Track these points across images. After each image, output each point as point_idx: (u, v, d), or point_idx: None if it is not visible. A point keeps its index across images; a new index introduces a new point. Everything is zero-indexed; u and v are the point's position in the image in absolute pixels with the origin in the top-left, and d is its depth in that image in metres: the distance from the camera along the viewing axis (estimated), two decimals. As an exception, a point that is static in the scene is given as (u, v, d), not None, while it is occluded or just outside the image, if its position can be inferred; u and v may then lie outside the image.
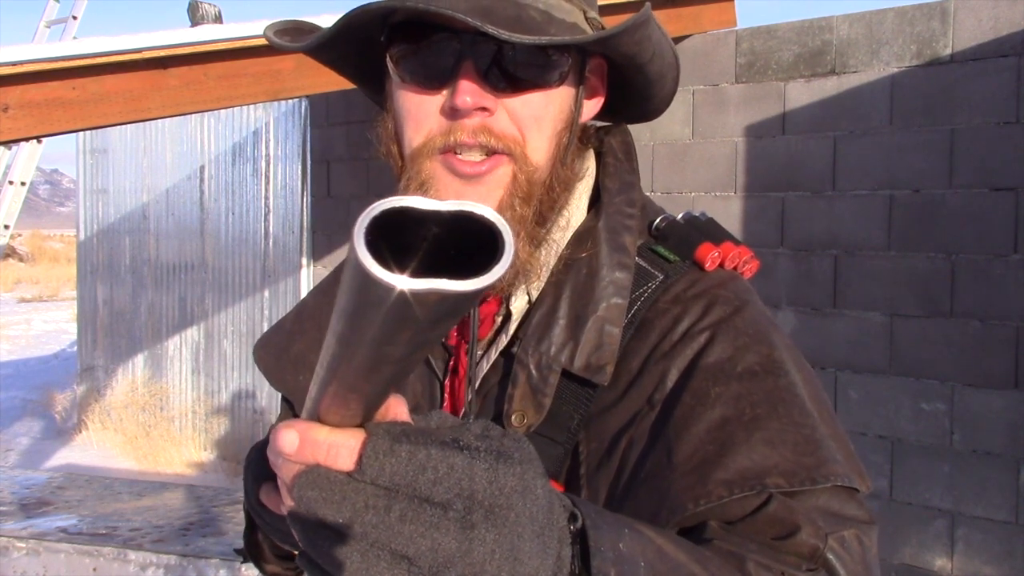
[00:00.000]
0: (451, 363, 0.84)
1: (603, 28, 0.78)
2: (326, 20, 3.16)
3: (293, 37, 0.83)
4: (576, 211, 0.84)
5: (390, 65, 0.78)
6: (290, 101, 6.38)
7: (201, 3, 5.64)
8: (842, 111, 3.67)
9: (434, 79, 0.75)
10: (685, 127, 4.20)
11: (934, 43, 3.43)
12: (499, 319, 0.82)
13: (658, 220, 0.86)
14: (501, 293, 0.81)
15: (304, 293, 6.33)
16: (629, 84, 0.84)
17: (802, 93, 3.79)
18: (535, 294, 0.81)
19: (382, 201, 0.37)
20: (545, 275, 0.81)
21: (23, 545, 2.79)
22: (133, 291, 8.30)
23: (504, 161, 0.76)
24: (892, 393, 3.54)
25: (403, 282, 0.34)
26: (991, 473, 3.30)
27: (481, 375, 0.81)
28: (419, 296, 0.35)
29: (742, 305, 0.79)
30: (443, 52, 0.74)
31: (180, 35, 3.31)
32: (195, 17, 5.66)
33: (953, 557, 3.39)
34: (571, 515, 0.51)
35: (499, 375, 0.80)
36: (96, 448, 7.68)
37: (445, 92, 0.75)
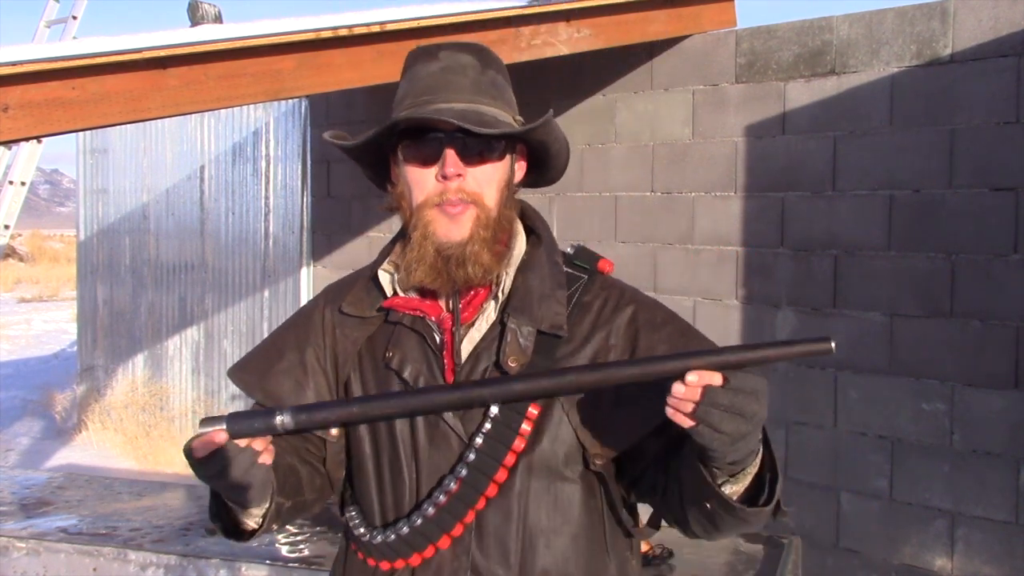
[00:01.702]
0: (446, 336, 1.27)
1: (524, 124, 1.26)
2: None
3: (341, 139, 1.32)
4: (520, 238, 1.32)
5: (400, 154, 1.25)
6: (290, 101, 6.38)
7: (201, 3, 5.64)
8: (842, 111, 3.67)
9: (428, 159, 1.22)
10: (685, 127, 4.20)
11: (934, 43, 3.43)
12: (486, 305, 1.28)
13: (567, 249, 1.35)
14: (491, 284, 1.27)
15: (304, 293, 6.33)
16: (538, 159, 1.33)
17: (802, 93, 3.79)
18: (507, 290, 1.27)
19: None
20: (512, 272, 1.28)
21: (23, 545, 2.79)
22: (133, 291, 8.29)
23: (472, 207, 1.22)
24: (892, 393, 3.54)
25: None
26: (991, 473, 3.30)
27: (475, 341, 1.26)
28: None
29: (635, 291, 1.33)
30: (432, 143, 1.21)
31: (180, 35, 3.31)
32: (195, 17, 5.66)
33: (953, 557, 3.39)
34: None
35: (491, 338, 1.25)
36: (96, 448, 7.68)
37: (435, 167, 1.22)
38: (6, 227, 5.22)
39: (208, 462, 1.10)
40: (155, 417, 7.69)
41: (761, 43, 3.93)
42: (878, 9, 3.62)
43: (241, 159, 7.08)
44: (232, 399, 7.22)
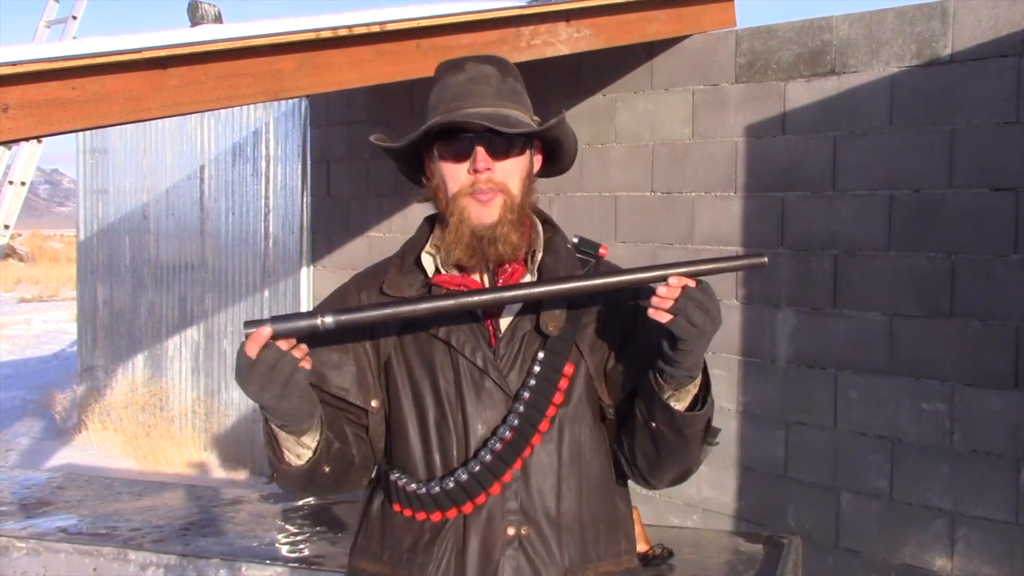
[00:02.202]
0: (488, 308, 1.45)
1: (540, 122, 1.46)
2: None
3: (385, 142, 1.49)
4: (539, 225, 1.54)
5: (436, 153, 1.45)
6: (290, 101, 6.38)
7: (201, 3, 5.64)
8: (842, 111, 3.67)
9: (460, 156, 1.42)
10: (685, 127, 4.20)
11: (934, 43, 3.43)
12: (523, 280, 1.48)
13: (573, 237, 1.57)
14: (527, 263, 1.49)
15: (304, 293, 6.33)
16: (552, 152, 1.54)
17: (802, 93, 3.79)
18: (535, 264, 1.49)
19: None
20: (540, 253, 1.50)
21: (23, 545, 2.79)
22: (133, 291, 8.29)
23: (500, 194, 1.42)
24: (892, 393, 3.54)
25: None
26: (991, 473, 3.30)
27: (514, 311, 1.45)
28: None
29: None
30: (464, 142, 1.41)
31: (180, 35, 3.31)
32: (195, 17, 5.65)
33: (953, 557, 3.39)
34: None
35: (528, 307, 1.44)
36: (96, 448, 7.68)
37: (467, 163, 1.41)
38: (6, 227, 5.22)
39: (256, 368, 1.24)
40: (155, 417, 7.69)
41: (761, 43, 3.93)
42: (878, 9, 3.62)
43: (241, 159, 7.08)
44: (220, 410, 7.22)
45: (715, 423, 1.42)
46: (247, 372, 1.25)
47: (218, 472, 7.04)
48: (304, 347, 1.28)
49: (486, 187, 1.40)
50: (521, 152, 1.44)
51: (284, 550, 2.77)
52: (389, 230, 5.76)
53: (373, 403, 1.45)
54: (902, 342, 3.51)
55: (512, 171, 1.43)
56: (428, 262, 1.48)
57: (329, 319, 1.28)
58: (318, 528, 2.99)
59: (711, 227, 4.09)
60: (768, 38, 3.91)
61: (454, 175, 1.43)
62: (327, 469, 1.39)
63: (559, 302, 1.43)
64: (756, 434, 3.95)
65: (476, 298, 1.35)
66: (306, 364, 1.27)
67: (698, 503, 4.16)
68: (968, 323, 3.34)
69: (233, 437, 7.17)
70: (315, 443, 1.36)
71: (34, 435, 8.38)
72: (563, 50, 3.95)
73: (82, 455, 7.50)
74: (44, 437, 8.30)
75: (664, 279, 1.29)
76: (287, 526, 3.00)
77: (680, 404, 1.36)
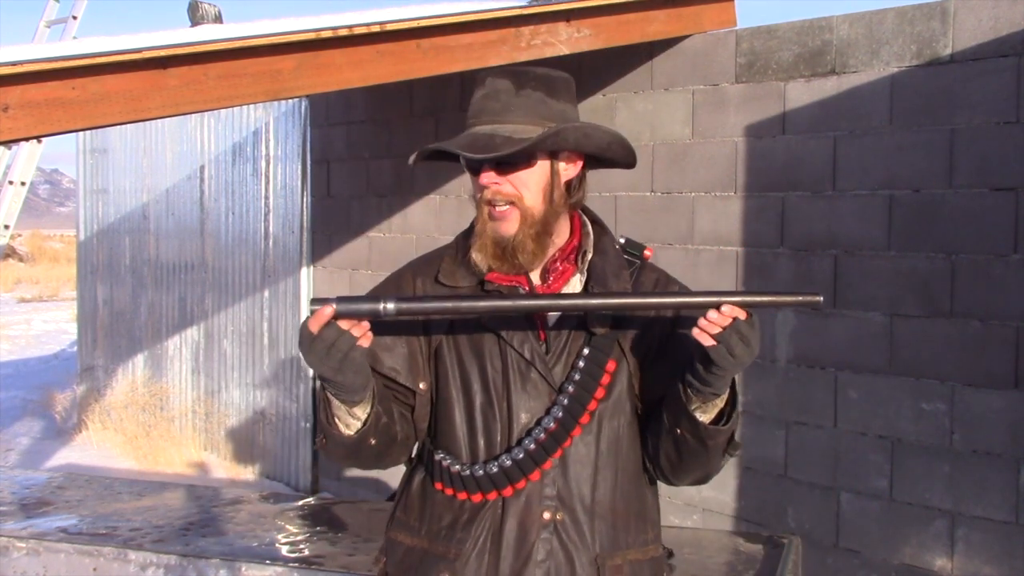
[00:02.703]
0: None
1: (556, 135, 1.45)
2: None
3: (419, 155, 1.55)
4: (589, 226, 1.60)
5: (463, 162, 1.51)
6: (290, 101, 6.38)
7: (201, 3, 5.63)
8: (842, 111, 3.67)
9: (476, 170, 1.48)
10: (685, 127, 4.20)
11: (934, 43, 3.42)
12: (573, 279, 1.54)
13: (620, 238, 1.63)
14: (577, 262, 1.55)
15: (304, 293, 6.33)
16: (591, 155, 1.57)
17: (802, 93, 3.79)
18: (586, 264, 1.55)
19: None
20: (590, 253, 1.55)
21: (23, 545, 2.79)
22: (133, 291, 8.29)
23: (514, 208, 1.47)
24: (892, 393, 3.54)
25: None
26: (991, 473, 3.30)
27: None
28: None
29: (669, 275, 1.65)
30: (474, 160, 1.46)
31: (180, 35, 3.31)
32: (195, 17, 5.65)
33: (953, 557, 3.39)
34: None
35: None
36: (96, 448, 7.67)
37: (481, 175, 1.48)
38: (6, 227, 5.22)
39: (316, 344, 1.31)
40: (155, 417, 7.69)
41: (761, 43, 3.93)
42: (878, 9, 3.61)
43: (241, 159, 7.08)
44: (220, 410, 7.22)
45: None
46: (308, 346, 1.33)
47: (218, 472, 7.03)
48: (366, 325, 1.35)
49: (495, 199, 1.47)
50: (532, 163, 1.48)
51: (284, 550, 2.77)
52: (389, 230, 5.76)
53: (421, 385, 1.52)
54: (902, 342, 3.51)
55: (523, 183, 1.48)
56: (479, 258, 1.54)
57: (391, 306, 1.34)
58: (318, 528, 2.99)
59: (711, 227, 4.09)
60: (768, 38, 3.91)
61: (475, 185, 1.51)
62: (373, 442, 1.46)
63: (610, 317, 1.49)
64: (756, 434, 3.95)
65: (534, 302, 1.41)
66: (364, 343, 1.35)
67: (698, 503, 4.16)
68: (968, 323, 3.34)
69: (233, 437, 7.17)
70: (365, 415, 1.43)
71: (34, 435, 8.37)
72: (563, 50, 3.95)
73: (82, 455, 7.50)
74: (44, 437, 8.29)
75: (717, 306, 1.33)
76: (287, 526, 3.00)
77: (706, 416, 1.42)
